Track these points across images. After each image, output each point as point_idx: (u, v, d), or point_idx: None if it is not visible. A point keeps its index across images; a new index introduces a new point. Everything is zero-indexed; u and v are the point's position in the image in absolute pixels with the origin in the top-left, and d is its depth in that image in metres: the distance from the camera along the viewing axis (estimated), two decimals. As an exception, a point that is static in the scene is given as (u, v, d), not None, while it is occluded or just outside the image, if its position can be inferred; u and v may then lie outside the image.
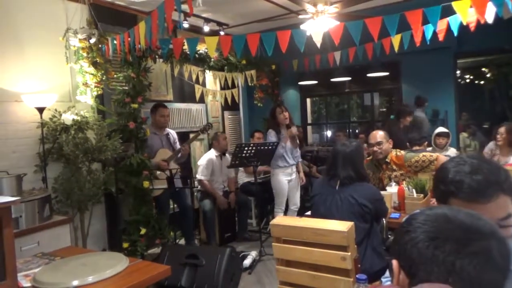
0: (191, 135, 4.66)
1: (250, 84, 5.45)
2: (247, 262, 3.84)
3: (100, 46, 3.71)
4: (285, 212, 4.48)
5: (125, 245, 3.54)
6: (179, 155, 4.24)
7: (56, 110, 3.42)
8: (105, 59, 3.78)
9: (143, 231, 3.60)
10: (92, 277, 1.75)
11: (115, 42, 3.52)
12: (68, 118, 3.44)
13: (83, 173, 3.48)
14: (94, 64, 3.68)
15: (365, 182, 2.48)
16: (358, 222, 2.24)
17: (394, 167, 3.17)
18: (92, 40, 3.64)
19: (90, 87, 3.68)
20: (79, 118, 3.45)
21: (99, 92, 3.76)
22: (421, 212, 0.75)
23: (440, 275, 0.67)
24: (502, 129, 3.97)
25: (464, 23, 2.95)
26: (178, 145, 4.35)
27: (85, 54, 3.65)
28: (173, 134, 4.40)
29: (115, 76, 3.87)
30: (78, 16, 3.79)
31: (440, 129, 4.45)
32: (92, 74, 3.67)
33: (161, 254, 3.32)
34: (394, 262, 0.75)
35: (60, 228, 2.99)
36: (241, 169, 5.12)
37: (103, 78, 3.77)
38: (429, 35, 3.45)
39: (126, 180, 3.66)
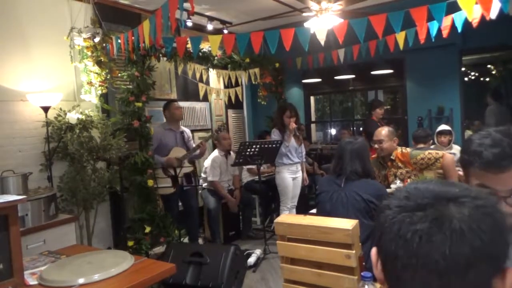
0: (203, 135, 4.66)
1: (253, 82, 5.44)
2: (251, 260, 3.85)
3: (104, 45, 3.72)
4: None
5: (130, 243, 3.55)
6: (197, 152, 4.25)
7: (61, 109, 3.44)
8: (109, 58, 3.80)
9: (147, 229, 3.62)
10: (98, 275, 1.76)
11: (119, 41, 3.53)
12: (73, 117, 3.46)
13: (88, 171, 3.50)
14: (99, 63, 3.69)
15: (370, 178, 2.48)
16: (363, 219, 2.25)
17: (400, 164, 3.15)
18: (97, 39, 3.65)
19: (94, 86, 3.69)
20: (83, 117, 3.47)
21: (103, 91, 3.77)
22: (399, 189, 0.68)
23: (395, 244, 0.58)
24: None
25: (470, 20, 2.94)
26: (192, 143, 4.39)
27: (89, 53, 3.66)
28: (187, 132, 4.41)
29: (119, 75, 3.88)
30: (82, 15, 3.80)
31: (442, 127, 4.42)
32: (96, 73, 3.69)
33: (165, 252, 3.33)
34: (373, 250, 0.67)
35: (65, 227, 3.02)
36: (244, 168, 5.12)
37: (108, 77, 3.79)
38: (434, 32, 3.42)
39: (130, 179, 3.67)
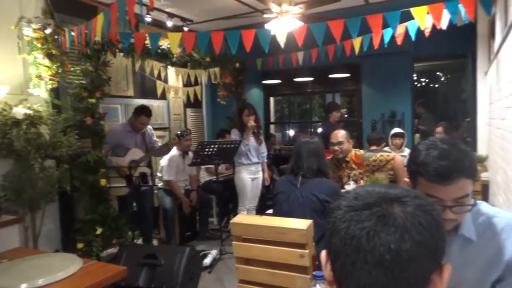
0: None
1: (213, 82, 5.40)
2: (207, 261, 3.82)
3: (56, 37, 3.54)
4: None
5: (80, 245, 3.41)
6: (166, 149, 4.21)
7: (6, 103, 3.22)
8: (62, 51, 3.62)
9: (99, 230, 3.48)
10: (42, 280, 1.67)
11: (72, 33, 3.37)
12: (19, 112, 3.25)
13: (35, 170, 3.30)
14: (49, 55, 3.51)
15: (325, 178, 2.55)
16: (319, 218, 2.30)
17: (353, 166, 3.25)
18: (48, 31, 3.47)
19: (44, 80, 3.50)
20: (31, 112, 3.28)
21: (54, 86, 3.59)
22: (350, 191, 0.70)
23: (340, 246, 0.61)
24: (439, 129, 4.36)
25: (422, 28, 3.09)
26: (155, 138, 4.33)
27: (39, 45, 3.47)
28: (149, 129, 4.29)
29: (72, 69, 3.70)
30: (33, 4, 3.59)
31: (396, 129, 4.64)
32: (47, 66, 3.50)
33: (118, 254, 3.22)
34: (323, 252, 0.69)
35: (8, 229, 2.84)
36: (202, 167, 5.07)
37: (59, 71, 3.60)
38: (387, 39, 3.56)
39: (82, 178, 3.52)
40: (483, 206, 1.22)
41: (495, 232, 1.15)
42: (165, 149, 4.25)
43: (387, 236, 0.57)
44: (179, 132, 4.28)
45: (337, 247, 0.62)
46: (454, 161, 1.07)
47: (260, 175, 4.46)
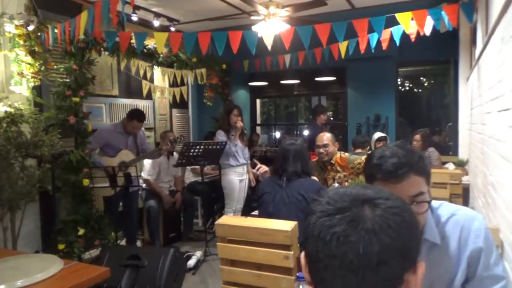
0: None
1: (200, 83, 5.38)
2: (191, 262, 3.79)
3: (39, 34, 3.47)
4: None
5: (61, 246, 3.35)
6: (157, 154, 4.17)
7: (-14, 100, 3.15)
8: (45, 49, 3.55)
9: (81, 231, 3.42)
10: (21, 281, 1.63)
11: (55, 31, 3.32)
12: None
13: (16, 169, 3.23)
14: (32, 53, 3.44)
15: (309, 177, 2.57)
16: (305, 218, 2.31)
17: (339, 168, 3.28)
18: (30, 28, 3.40)
19: (26, 78, 3.43)
20: (12, 110, 3.21)
21: (36, 83, 3.52)
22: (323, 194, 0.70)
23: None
24: (417, 136, 4.51)
25: (407, 32, 3.15)
26: (146, 141, 4.30)
27: (21, 42, 3.40)
28: (142, 133, 4.23)
29: (55, 67, 3.64)
30: (15, 0, 3.51)
31: (378, 134, 4.73)
32: (29, 63, 3.43)
33: (100, 255, 3.16)
34: (302, 253, 0.69)
35: (-13, 229, 2.76)
36: (188, 168, 5.04)
37: (42, 69, 3.53)
38: (373, 43, 3.61)
39: (64, 178, 3.46)
40: (443, 206, 1.26)
41: (456, 230, 1.19)
42: (157, 153, 4.19)
43: (356, 240, 0.58)
44: (172, 138, 4.23)
45: (311, 252, 0.63)
46: (403, 157, 1.12)
47: (246, 176, 4.45)
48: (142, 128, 4.23)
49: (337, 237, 0.59)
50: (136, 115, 3.99)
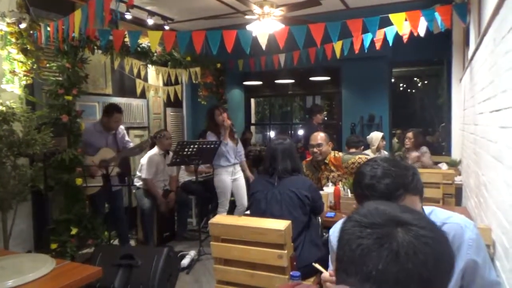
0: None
1: (194, 82, 5.36)
2: (185, 261, 3.78)
3: (32, 32, 3.44)
4: (232, 212, 4.43)
5: (53, 246, 3.32)
6: (138, 150, 4.15)
7: (-23, 99, 3.12)
8: (37, 47, 3.52)
9: (74, 231, 3.40)
10: (12, 281, 1.62)
11: (48, 29, 3.29)
12: (-9, 108, 3.15)
13: (7, 168, 3.20)
14: (24, 51, 3.41)
15: (299, 174, 2.60)
16: (297, 215, 2.36)
17: (332, 168, 3.29)
18: (22, 25, 3.37)
19: (18, 76, 3.40)
20: (4, 108, 3.18)
21: (28, 82, 3.49)
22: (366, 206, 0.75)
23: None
24: (409, 134, 4.58)
25: (400, 33, 3.16)
26: (127, 139, 4.27)
27: (13, 40, 3.36)
28: (121, 130, 4.20)
29: (47, 65, 3.61)
30: (7, -2, 3.48)
31: (379, 133, 4.73)
32: (21, 61, 3.40)
33: (93, 255, 3.14)
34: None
35: (-22, 228, 2.73)
36: (182, 167, 5.02)
37: (34, 67, 3.50)
38: (367, 44, 3.62)
39: (56, 177, 3.43)
40: (434, 213, 1.25)
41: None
42: (138, 149, 4.16)
43: (377, 256, 0.63)
44: (152, 135, 4.23)
45: (339, 254, 0.70)
46: (397, 176, 1.10)
47: (239, 175, 4.43)
48: (122, 126, 4.22)
49: (361, 249, 0.65)
50: (114, 108, 3.99)
